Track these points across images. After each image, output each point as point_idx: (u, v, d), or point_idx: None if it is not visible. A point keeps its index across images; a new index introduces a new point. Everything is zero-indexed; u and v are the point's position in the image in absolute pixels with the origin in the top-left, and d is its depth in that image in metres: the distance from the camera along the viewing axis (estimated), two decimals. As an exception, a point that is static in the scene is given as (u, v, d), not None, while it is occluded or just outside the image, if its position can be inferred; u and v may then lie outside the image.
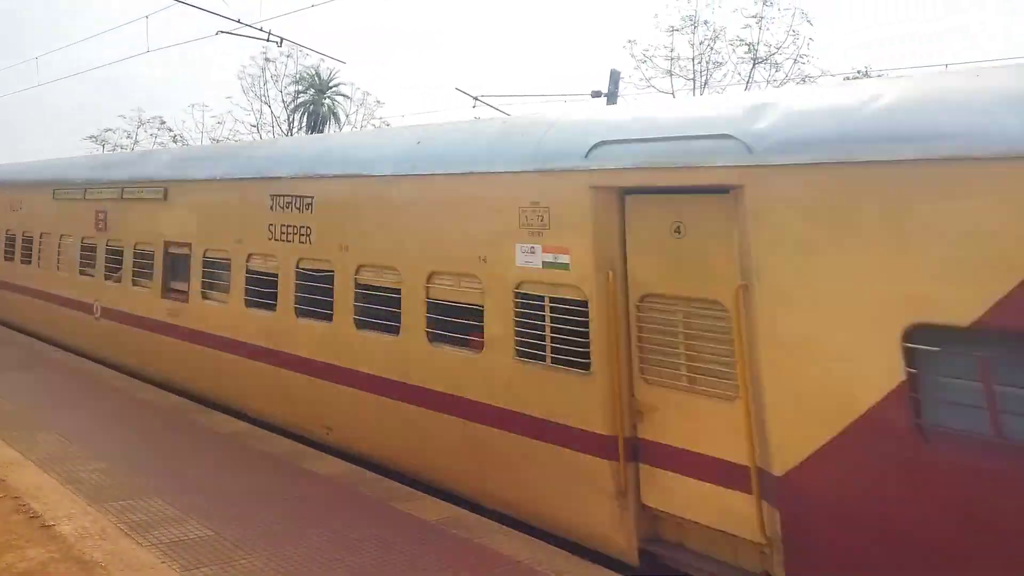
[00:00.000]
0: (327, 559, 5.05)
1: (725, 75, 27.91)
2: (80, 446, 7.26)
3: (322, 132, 40.61)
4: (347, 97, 43.64)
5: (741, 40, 27.28)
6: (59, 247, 12.84)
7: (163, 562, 4.86)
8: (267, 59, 40.71)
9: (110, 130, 44.03)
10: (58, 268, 12.88)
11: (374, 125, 40.52)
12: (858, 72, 24.32)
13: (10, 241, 14.68)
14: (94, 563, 4.77)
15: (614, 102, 20.41)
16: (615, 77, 20.98)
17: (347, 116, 43.51)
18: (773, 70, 27.14)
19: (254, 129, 41.11)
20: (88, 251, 11.98)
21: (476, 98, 22.14)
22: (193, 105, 51.23)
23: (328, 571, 4.89)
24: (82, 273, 12.12)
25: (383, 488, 6.54)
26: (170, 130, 43.16)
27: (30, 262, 13.85)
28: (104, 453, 7.10)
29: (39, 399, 9.10)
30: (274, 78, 41.54)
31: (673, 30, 27.89)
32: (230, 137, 39.97)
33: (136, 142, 42.87)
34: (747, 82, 27.23)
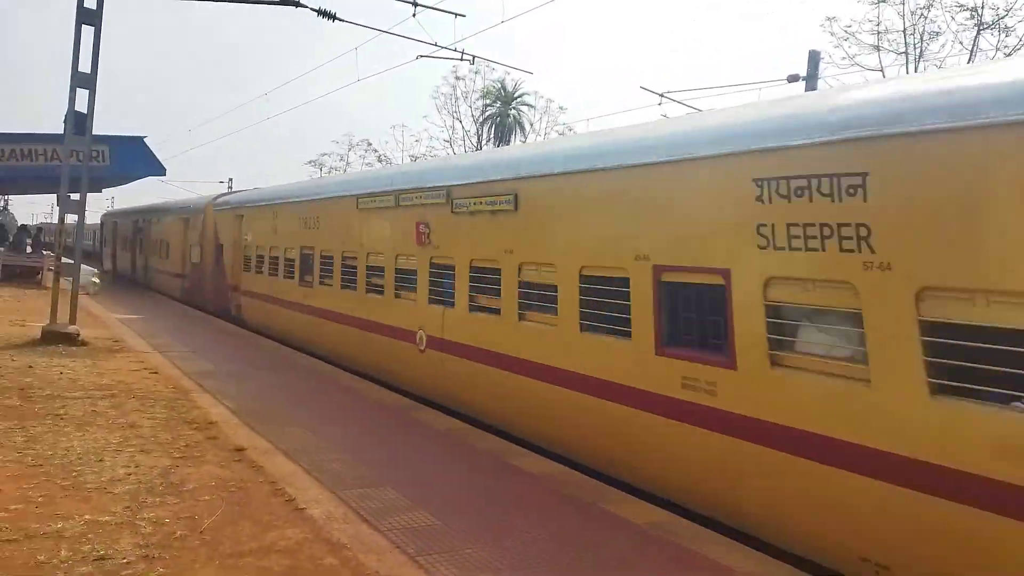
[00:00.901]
0: (545, 555, 5.19)
1: (943, 45, 24.94)
2: (320, 438, 8.11)
3: (508, 143, 42.08)
4: (531, 106, 44.86)
5: (961, 5, 24.22)
6: None
7: (397, 547, 5.26)
8: (457, 77, 43.00)
9: (326, 154, 49.06)
10: None
11: (556, 132, 41.18)
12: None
13: None
14: (340, 544, 5.28)
15: (814, 86, 19.03)
16: (814, 58, 19.58)
17: (531, 124, 44.70)
18: (1003, 35, 23.76)
19: (447, 144, 43.59)
20: None
21: (662, 95, 21.71)
22: (394, 126, 55.53)
23: (548, 566, 5.02)
24: None
25: (592, 489, 6.61)
26: (375, 151, 47.10)
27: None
28: (340, 445, 7.87)
29: (284, 396, 10.29)
30: (464, 95, 43.78)
31: (879, 1, 25.44)
32: (427, 154, 42.73)
33: (348, 164, 47.29)
34: (971, 52, 24.10)
